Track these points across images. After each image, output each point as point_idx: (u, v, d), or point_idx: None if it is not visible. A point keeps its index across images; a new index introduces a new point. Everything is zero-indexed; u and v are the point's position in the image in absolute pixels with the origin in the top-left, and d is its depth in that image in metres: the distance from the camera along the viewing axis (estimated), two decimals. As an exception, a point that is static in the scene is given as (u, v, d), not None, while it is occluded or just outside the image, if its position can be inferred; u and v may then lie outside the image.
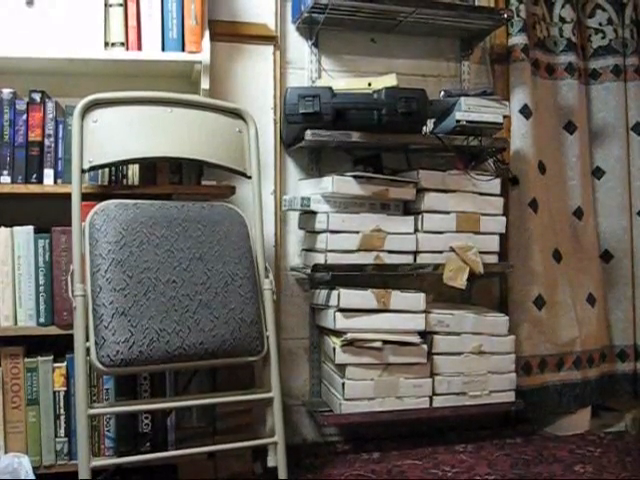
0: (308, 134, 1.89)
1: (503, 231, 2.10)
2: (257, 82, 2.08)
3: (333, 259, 1.92)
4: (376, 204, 2.00)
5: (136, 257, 1.52)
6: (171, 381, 1.75)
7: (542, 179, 2.27)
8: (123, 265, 1.50)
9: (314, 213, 1.98)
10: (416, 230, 2.01)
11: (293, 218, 2.14)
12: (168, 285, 1.53)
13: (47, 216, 1.74)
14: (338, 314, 1.92)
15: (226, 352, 1.55)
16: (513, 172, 2.22)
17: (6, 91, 1.69)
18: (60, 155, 1.71)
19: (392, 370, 1.96)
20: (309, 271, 1.95)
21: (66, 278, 1.59)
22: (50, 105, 1.71)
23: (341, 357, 1.92)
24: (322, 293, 2.01)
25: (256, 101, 2.06)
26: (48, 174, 1.70)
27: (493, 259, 2.08)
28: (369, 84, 2.01)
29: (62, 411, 1.68)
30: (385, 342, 1.93)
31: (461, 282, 2.00)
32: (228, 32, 2.03)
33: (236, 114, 1.75)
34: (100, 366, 1.44)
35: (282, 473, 1.61)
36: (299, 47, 2.14)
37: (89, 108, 1.59)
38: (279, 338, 2.05)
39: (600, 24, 2.40)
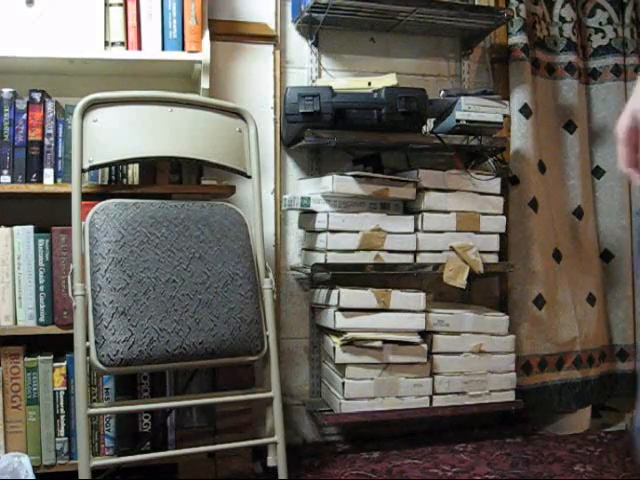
0: (308, 133, 1.89)
1: (503, 231, 2.10)
2: (257, 82, 2.08)
3: (333, 258, 1.92)
4: (376, 203, 2.00)
5: (136, 256, 1.52)
6: (171, 381, 1.75)
7: (542, 179, 2.27)
8: (123, 264, 1.50)
9: (314, 213, 1.97)
10: (416, 229, 2.01)
11: (293, 218, 2.14)
12: (168, 284, 1.53)
13: (47, 216, 1.75)
14: (338, 313, 1.92)
15: (226, 352, 1.55)
16: (513, 172, 2.22)
17: (6, 91, 1.69)
18: (60, 155, 1.71)
19: (392, 369, 1.96)
20: (309, 270, 1.95)
21: (66, 278, 1.60)
22: (50, 105, 1.71)
23: (341, 356, 1.92)
24: (322, 292, 2.01)
25: (256, 101, 2.06)
26: (48, 174, 1.70)
27: (493, 259, 2.08)
28: (369, 83, 2.01)
29: (62, 411, 1.68)
30: (385, 341, 1.93)
31: (461, 281, 2.00)
32: (228, 32, 2.03)
33: (236, 113, 1.75)
34: (100, 366, 1.44)
35: (282, 473, 1.61)
36: (299, 46, 2.14)
37: (89, 107, 1.59)
38: (279, 338, 2.05)
39: (600, 23, 2.40)
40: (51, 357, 1.68)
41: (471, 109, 1.99)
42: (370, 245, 1.95)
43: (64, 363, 1.68)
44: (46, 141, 1.70)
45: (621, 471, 1.87)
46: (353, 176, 1.92)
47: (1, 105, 1.68)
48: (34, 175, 1.69)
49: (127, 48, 1.75)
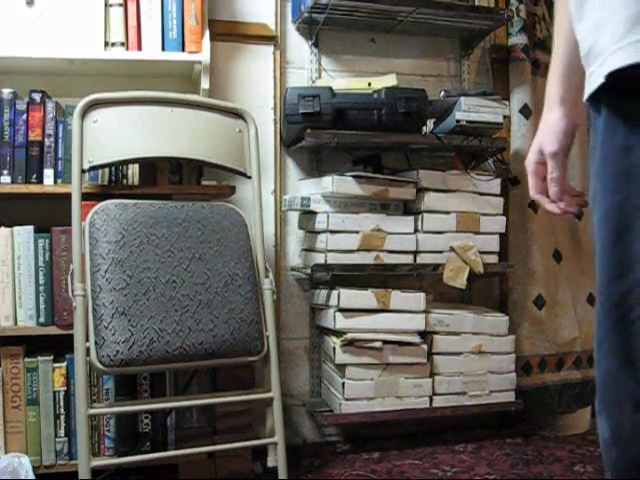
0: (308, 134, 1.89)
1: (503, 231, 2.10)
2: (257, 82, 2.08)
3: (333, 259, 1.92)
4: (376, 204, 2.00)
5: (136, 257, 1.52)
6: (171, 381, 1.75)
7: (542, 179, 2.27)
8: (123, 265, 1.50)
9: (314, 213, 1.97)
10: (416, 230, 2.01)
11: (293, 218, 2.14)
12: (168, 285, 1.53)
13: (47, 216, 1.74)
14: (338, 314, 1.92)
15: (226, 352, 1.55)
16: (513, 172, 2.22)
17: (6, 91, 1.69)
18: (60, 155, 1.71)
19: (392, 370, 1.96)
20: (309, 271, 1.95)
21: (66, 278, 1.59)
22: (50, 105, 1.71)
23: (341, 357, 1.92)
24: (322, 293, 2.01)
25: (256, 101, 2.06)
26: (48, 174, 1.70)
27: (493, 259, 2.08)
28: (369, 84, 2.01)
29: (62, 411, 1.68)
30: (385, 342, 1.93)
31: (461, 282, 2.00)
32: (228, 32, 2.04)
33: (236, 114, 1.75)
34: (100, 366, 1.44)
35: (282, 473, 1.61)
36: (299, 47, 2.14)
37: (89, 108, 1.59)
38: (279, 338, 2.05)
39: (600, 24, 2.39)
40: (51, 357, 1.68)
41: (471, 109, 1.99)
42: (370, 245, 1.95)
43: (64, 363, 1.68)
44: (46, 141, 1.70)
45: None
46: (353, 176, 1.92)
47: (1, 105, 1.68)
48: (34, 175, 1.69)
49: (127, 48, 1.75)
